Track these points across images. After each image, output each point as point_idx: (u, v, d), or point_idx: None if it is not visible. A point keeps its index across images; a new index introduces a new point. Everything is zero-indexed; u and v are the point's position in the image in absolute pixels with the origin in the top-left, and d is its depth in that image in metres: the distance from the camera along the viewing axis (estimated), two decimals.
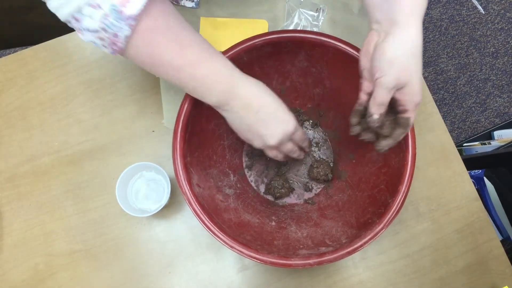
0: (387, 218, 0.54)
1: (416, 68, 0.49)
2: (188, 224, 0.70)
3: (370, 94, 0.55)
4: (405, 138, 0.56)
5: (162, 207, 0.65)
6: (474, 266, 0.70)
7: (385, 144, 0.54)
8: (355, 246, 0.53)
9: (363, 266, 0.69)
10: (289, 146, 0.59)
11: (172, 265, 0.69)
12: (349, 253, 0.53)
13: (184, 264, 0.69)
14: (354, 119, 0.56)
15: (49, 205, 0.70)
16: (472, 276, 0.69)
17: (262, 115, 0.54)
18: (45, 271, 0.69)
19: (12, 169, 0.72)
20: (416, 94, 0.50)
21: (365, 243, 0.53)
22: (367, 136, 0.56)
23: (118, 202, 0.65)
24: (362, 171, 0.66)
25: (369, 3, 0.51)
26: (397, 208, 0.54)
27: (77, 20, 0.43)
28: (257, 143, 0.57)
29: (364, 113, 0.55)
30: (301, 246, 0.59)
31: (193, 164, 0.60)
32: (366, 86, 0.55)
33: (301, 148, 0.63)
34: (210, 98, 0.52)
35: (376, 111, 0.51)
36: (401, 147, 0.57)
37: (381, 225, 0.54)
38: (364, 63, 0.53)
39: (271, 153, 0.59)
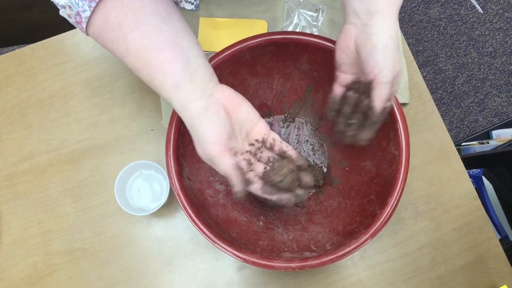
0: (373, 229, 0.54)
1: (401, 55, 0.49)
2: (187, 223, 0.70)
3: (346, 87, 0.56)
4: (399, 151, 0.56)
5: (161, 205, 0.65)
6: (473, 265, 0.70)
7: (369, 135, 0.53)
8: (339, 254, 0.53)
9: (362, 265, 0.69)
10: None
11: (171, 264, 0.69)
12: (332, 261, 0.52)
13: (183, 263, 0.69)
14: (331, 113, 0.57)
15: (47, 204, 0.70)
16: (470, 274, 0.70)
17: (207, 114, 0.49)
18: (43, 270, 0.68)
19: (11, 167, 0.71)
20: (400, 83, 0.51)
21: (349, 252, 0.53)
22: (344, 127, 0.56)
23: (117, 201, 0.64)
24: (354, 179, 0.66)
25: None
26: (385, 220, 0.54)
27: None
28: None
29: (340, 105, 0.57)
30: (285, 249, 0.59)
31: (185, 156, 0.59)
32: (343, 79, 0.55)
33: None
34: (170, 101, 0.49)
35: (383, 105, 0.50)
36: (395, 158, 0.57)
37: (367, 236, 0.53)
38: (341, 58, 0.53)
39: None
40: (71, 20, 0.46)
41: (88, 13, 0.44)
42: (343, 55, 0.53)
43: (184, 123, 0.50)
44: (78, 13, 0.44)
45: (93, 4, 0.43)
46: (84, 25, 0.45)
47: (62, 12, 0.46)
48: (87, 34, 0.47)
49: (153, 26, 0.45)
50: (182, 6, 0.75)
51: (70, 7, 0.44)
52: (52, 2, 0.47)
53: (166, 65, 0.46)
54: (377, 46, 0.47)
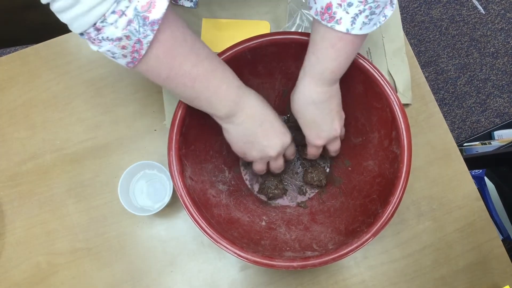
0: (375, 228, 0.54)
1: (311, 118, 0.57)
2: (190, 223, 0.70)
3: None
4: (401, 150, 0.56)
5: (164, 205, 0.65)
6: (475, 266, 0.70)
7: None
8: (341, 253, 0.53)
9: (365, 266, 0.70)
10: (279, 162, 0.61)
11: (174, 263, 0.69)
12: (334, 260, 0.53)
13: (186, 263, 0.69)
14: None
15: (51, 204, 0.70)
16: (473, 275, 0.70)
17: (265, 126, 0.56)
18: (47, 270, 0.69)
19: (14, 167, 0.72)
20: (314, 138, 0.59)
21: (350, 251, 0.53)
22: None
23: (120, 201, 0.65)
24: (356, 179, 0.66)
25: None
26: (387, 219, 0.54)
27: (98, 29, 0.41)
28: (255, 154, 0.58)
29: None
30: (287, 248, 0.59)
31: (188, 156, 0.60)
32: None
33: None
34: (220, 109, 0.53)
35: (313, 157, 0.66)
36: (396, 158, 0.57)
37: (369, 235, 0.54)
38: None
39: (258, 167, 0.61)
40: (124, 52, 0.43)
41: (150, 37, 0.42)
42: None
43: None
44: (138, 41, 0.42)
45: (156, 27, 0.42)
46: (143, 51, 0.43)
47: (112, 47, 0.42)
48: (135, 63, 0.46)
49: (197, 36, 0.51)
50: (181, 3, 0.75)
51: (128, 37, 0.41)
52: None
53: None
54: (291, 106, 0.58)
